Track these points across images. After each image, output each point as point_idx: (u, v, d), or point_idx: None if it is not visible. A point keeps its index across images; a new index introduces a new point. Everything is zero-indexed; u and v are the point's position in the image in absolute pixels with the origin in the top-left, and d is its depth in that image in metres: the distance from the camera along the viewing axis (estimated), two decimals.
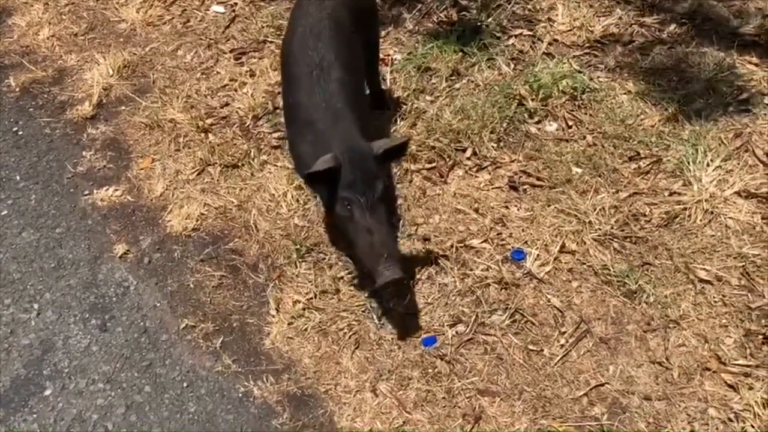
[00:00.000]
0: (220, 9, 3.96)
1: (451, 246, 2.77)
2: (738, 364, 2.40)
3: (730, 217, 2.77)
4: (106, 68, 3.63)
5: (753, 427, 2.24)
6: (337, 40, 2.59)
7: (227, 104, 3.42)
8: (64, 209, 3.02)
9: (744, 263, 2.63)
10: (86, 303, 2.69)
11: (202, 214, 2.96)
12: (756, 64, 3.28)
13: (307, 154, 2.43)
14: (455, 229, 2.84)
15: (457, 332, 2.55)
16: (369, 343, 2.55)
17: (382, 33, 3.63)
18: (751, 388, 2.33)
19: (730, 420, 2.27)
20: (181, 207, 2.99)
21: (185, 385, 2.45)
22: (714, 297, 2.57)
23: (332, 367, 2.49)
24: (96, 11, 4.02)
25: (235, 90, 3.48)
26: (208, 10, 3.96)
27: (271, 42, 3.71)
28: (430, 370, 2.46)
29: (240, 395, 2.43)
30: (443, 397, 2.39)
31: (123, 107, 3.48)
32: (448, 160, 3.08)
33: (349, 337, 2.55)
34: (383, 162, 2.38)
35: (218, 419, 2.37)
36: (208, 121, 3.32)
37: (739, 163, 2.92)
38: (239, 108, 3.36)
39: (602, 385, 2.39)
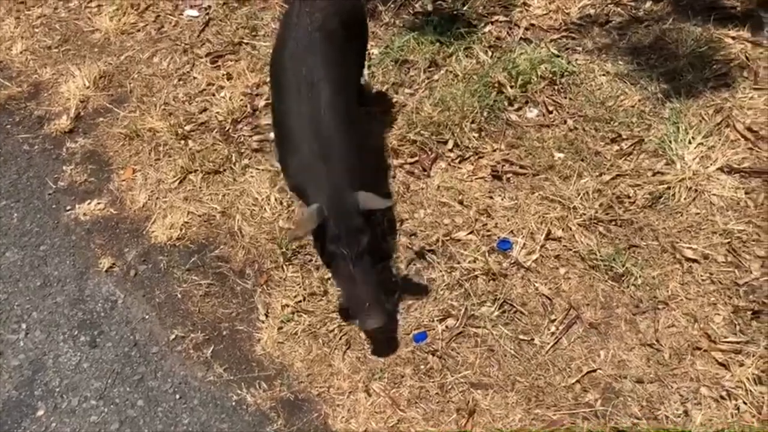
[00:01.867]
0: (194, 13, 3.93)
1: (437, 240, 2.76)
2: (728, 342, 2.40)
3: (714, 194, 2.77)
4: (81, 80, 3.59)
5: (745, 404, 2.25)
6: (329, 54, 2.55)
7: (206, 109, 3.39)
8: (47, 226, 3.00)
9: (730, 239, 2.63)
10: (74, 320, 2.68)
11: (186, 222, 2.95)
12: (733, 38, 3.26)
13: (292, 171, 2.49)
14: (440, 223, 2.83)
15: (447, 326, 2.55)
16: (360, 342, 2.55)
17: None
18: (742, 365, 2.34)
19: (723, 398, 2.28)
20: (165, 217, 2.98)
21: (178, 396, 2.45)
22: (701, 275, 2.57)
23: (324, 370, 2.48)
24: (68, 22, 3.97)
25: (213, 94, 3.45)
26: (182, 14, 3.92)
27: (246, 43, 3.67)
28: (422, 367, 2.46)
29: (233, 404, 2.43)
30: (437, 393, 2.40)
31: (101, 119, 3.45)
32: (430, 153, 3.06)
33: (340, 338, 2.55)
34: (368, 215, 2.38)
35: (212, 429, 2.37)
36: (187, 127, 3.30)
37: (720, 139, 2.91)
38: (218, 112, 3.34)
39: (594, 371, 2.40)
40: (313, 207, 2.29)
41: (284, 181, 2.70)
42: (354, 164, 2.45)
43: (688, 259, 2.61)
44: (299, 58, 2.51)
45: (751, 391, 2.27)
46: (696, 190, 2.78)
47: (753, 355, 2.34)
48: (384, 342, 2.53)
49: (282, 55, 2.60)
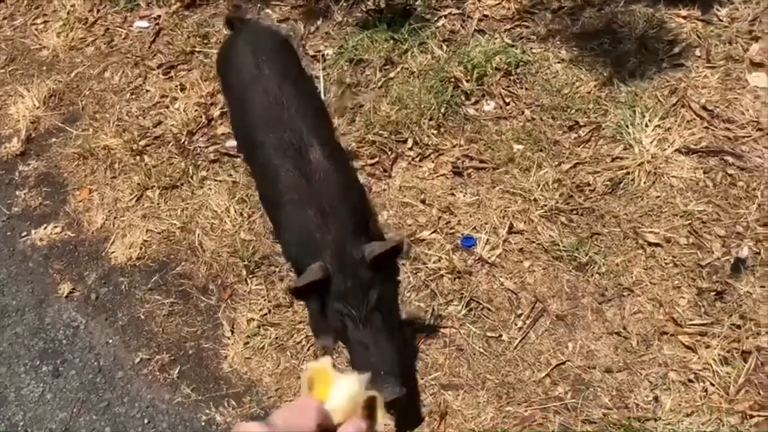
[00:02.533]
0: (144, 24, 3.84)
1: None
2: (694, 324, 2.41)
3: (673, 176, 2.78)
4: (31, 100, 3.51)
5: (713, 385, 2.26)
6: (305, 103, 2.38)
7: (160, 123, 3.33)
8: (3, 254, 2.93)
9: (690, 221, 2.64)
10: (35, 350, 2.63)
11: (146, 241, 2.90)
12: (684, 17, 3.26)
13: (293, 244, 2.28)
14: (404, 224, 2.80)
15: (414, 328, 2.52)
16: (329, 351, 2.52)
17: (312, 29, 3.56)
18: (708, 347, 2.35)
19: (691, 381, 2.29)
20: (124, 236, 2.92)
21: (146, 421, 2.41)
22: (665, 259, 2.57)
23: (294, 383, 2.46)
24: (14, 41, 3.88)
25: (167, 107, 3.38)
26: (131, 26, 3.84)
27: (198, 52, 3.61)
28: None
29: (203, 424, 2.39)
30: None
31: (53, 139, 3.38)
32: (390, 153, 3.03)
33: (308, 349, 2.52)
34: (377, 267, 2.13)
35: None
36: (142, 143, 3.24)
37: (676, 120, 2.92)
38: (173, 125, 3.28)
39: (563, 363, 2.40)
40: (314, 265, 2.07)
41: (282, 252, 2.50)
42: (356, 213, 2.27)
43: (650, 244, 2.61)
44: (276, 118, 2.31)
45: (717, 372, 2.28)
46: (655, 173, 2.78)
47: (718, 336, 2.35)
48: None
49: (253, 115, 2.38)
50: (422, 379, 2.41)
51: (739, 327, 2.37)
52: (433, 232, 2.77)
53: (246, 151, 2.54)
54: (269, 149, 2.28)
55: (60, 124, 3.42)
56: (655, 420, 2.22)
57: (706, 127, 2.89)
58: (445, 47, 3.38)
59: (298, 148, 2.24)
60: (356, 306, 2.07)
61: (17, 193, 3.17)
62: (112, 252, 2.89)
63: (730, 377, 2.26)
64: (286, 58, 2.60)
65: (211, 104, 3.36)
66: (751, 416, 2.19)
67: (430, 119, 3.08)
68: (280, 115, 2.31)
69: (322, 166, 2.22)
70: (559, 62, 3.23)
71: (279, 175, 2.24)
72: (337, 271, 2.09)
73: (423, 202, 2.86)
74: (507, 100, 3.14)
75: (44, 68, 3.71)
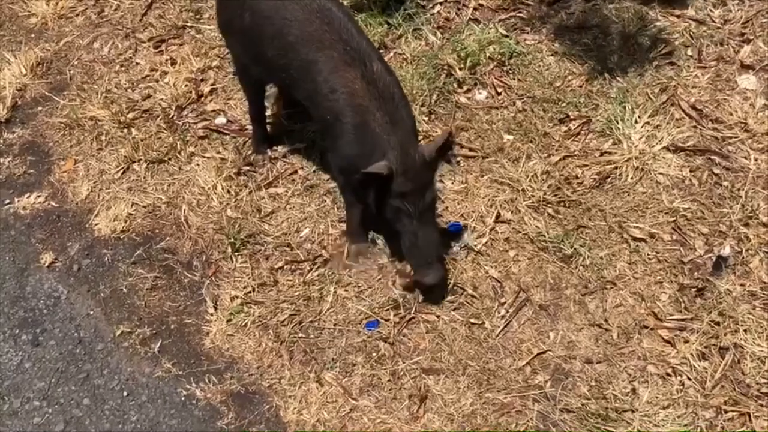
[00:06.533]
0: None
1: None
2: (674, 319, 2.45)
3: (660, 173, 2.80)
4: (18, 67, 3.45)
5: (690, 379, 2.30)
6: (346, 13, 2.57)
7: (149, 96, 3.29)
8: None
9: (675, 218, 2.67)
10: (15, 318, 2.60)
11: (131, 214, 2.87)
12: (678, 16, 3.28)
13: (356, 147, 2.42)
14: None
15: (398, 313, 2.53)
16: (312, 331, 2.52)
17: None
18: (686, 342, 2.38)
19: (668, 375, 2.32)
20: (108, 209, 2.90)
21: (125, 393, 2.40)
22: (648, 254, 2.60)
23: (275, 361, 2.46)
24: (2, 6, 3.80)
25: (156, 80, 3.35)
26: None
27: (190, 27, 3.57)
28: (374, 354, 2.45)
29: (183, 399, 2.39)
30: (388, 380, 2.39)
31: (40, 108, 3.33)
32: None
33: (291, 329, 2.52)
34: (434, 165, 2.43)
35: (162, 426, 2.33)
36: (130, 115, 3.20)
37: (666, 118, 2.94)
38: (162, 99, 3.25)
39: (544, 352, 2.42)
40: (381, 163, 2.28)
41: (335, 160, 2.59)
42: (411, 119, 2.48)
43: (635, 239, 2.64)
44: (334, 33, 2.43)
45: (695, 366, 2.32)
46: (642, 170, 2.81)
47: (697, 332, 2.39)
48: (336, 331, 2.51)
49: (297, 36, 2.47)
50: (404, 362, 2.42)
51: (717, 324, 2.40)
52: None
53: (285, 72, 2.58)
54: (331, 63, 2.40)
55: (47, 93, 3.37)
56: (632, 411, 2.25)
57: (695, 126, 2.92)
58: (439, 34, 3.37)
59: (362, 59, 2.38)
60: (414, 203, 2.34)
61: (1, 160, 3.12)
62: (96, 224, 2.87)
63: (706, 372, 2.30)
64: None
65: (202, 80, 3.33)
66: (726, 411, 2.23)
67: (422, 105, 3.08)
68: (337, 30, 2.43)
69: (383, 76, 2.39)
70: (552, 55, 3.24)
71: (345, 85, 2.38)
72: (401, 173, 2.31)
73: None
74: (499, 90, 3.14)
75: (32, 36, 3.64)
